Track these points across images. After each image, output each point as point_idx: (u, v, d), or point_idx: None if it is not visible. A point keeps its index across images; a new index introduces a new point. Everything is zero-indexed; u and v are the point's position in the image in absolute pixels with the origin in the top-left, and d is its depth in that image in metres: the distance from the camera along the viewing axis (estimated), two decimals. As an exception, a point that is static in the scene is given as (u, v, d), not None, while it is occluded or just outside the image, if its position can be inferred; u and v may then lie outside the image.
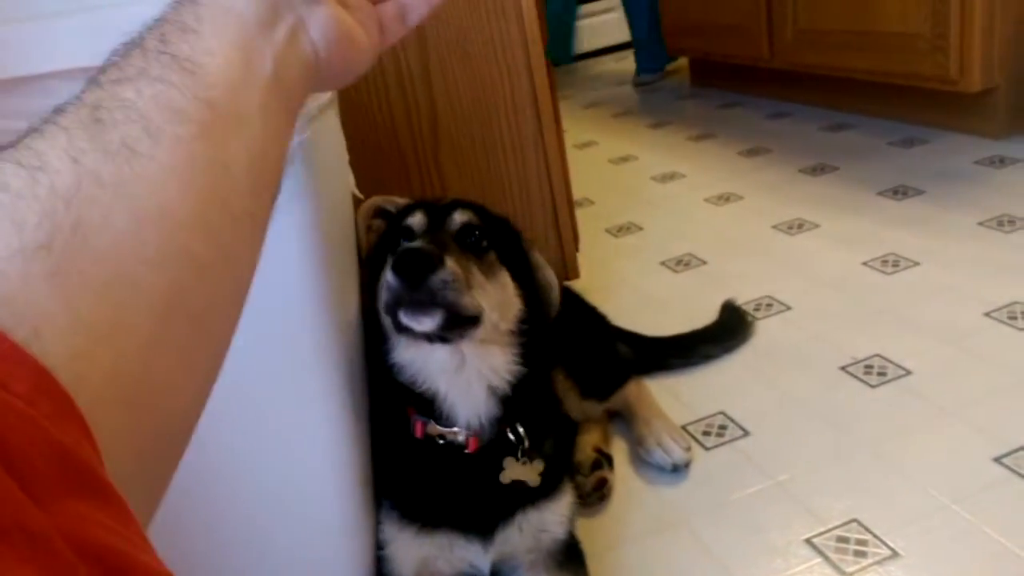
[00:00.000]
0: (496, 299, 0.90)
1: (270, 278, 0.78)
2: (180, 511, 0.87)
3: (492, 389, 0.93)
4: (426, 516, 0.96)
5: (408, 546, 0.97)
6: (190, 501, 0.87)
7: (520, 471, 0.96)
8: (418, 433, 0.94)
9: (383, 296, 0.85)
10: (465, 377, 0.92)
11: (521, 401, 0.96)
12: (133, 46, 0.43)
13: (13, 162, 0.37)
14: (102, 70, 0.42)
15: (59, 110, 0.40)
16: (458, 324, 0.85)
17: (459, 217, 0.93)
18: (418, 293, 0.81)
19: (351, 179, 1.00)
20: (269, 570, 0.93)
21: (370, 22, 0.57)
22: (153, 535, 0.91)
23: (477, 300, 0.86)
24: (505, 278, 0.93)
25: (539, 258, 1.02)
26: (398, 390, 0.95)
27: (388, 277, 0.82)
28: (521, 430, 0.96)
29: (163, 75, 0.42)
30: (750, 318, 1.60)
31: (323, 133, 0.84)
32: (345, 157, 0.99)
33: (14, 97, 0.67)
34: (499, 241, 0.95)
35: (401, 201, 1.03)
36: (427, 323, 0.83)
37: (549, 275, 1.02)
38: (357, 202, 1.02)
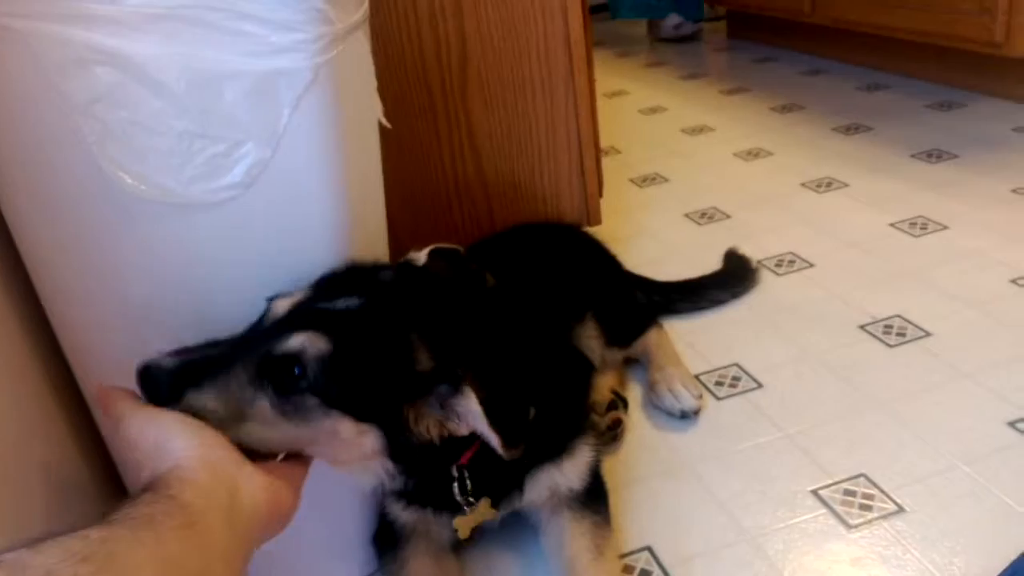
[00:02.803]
0: (304, 439, 0.75)
1: (293, 205, 0.79)
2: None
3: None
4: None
5: (399, 515, 0.98)
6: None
7: (471, 517, 0.93)
8: None
9: None
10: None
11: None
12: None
13: None
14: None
15: None
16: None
17: (282, 348, 0.72)
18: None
19: (379, 107, 0.99)
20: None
21: (294, 479, 0.72)
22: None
23: (246, 435, 0.72)
24: (334, 423, 0.73)
25: (465, 403, 0.75)
26: None
27: None
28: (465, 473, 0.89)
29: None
30: (754, 264, 1.61)
31: (350, 55, 0.82)
32: (373, 83, 0.97)
33: None
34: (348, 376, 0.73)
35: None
36: None
37: (474, 423, 0.75)
38: (384, 132, 1.01)
